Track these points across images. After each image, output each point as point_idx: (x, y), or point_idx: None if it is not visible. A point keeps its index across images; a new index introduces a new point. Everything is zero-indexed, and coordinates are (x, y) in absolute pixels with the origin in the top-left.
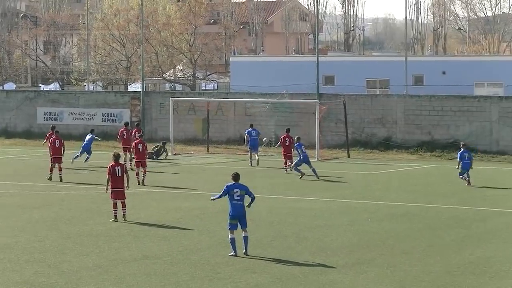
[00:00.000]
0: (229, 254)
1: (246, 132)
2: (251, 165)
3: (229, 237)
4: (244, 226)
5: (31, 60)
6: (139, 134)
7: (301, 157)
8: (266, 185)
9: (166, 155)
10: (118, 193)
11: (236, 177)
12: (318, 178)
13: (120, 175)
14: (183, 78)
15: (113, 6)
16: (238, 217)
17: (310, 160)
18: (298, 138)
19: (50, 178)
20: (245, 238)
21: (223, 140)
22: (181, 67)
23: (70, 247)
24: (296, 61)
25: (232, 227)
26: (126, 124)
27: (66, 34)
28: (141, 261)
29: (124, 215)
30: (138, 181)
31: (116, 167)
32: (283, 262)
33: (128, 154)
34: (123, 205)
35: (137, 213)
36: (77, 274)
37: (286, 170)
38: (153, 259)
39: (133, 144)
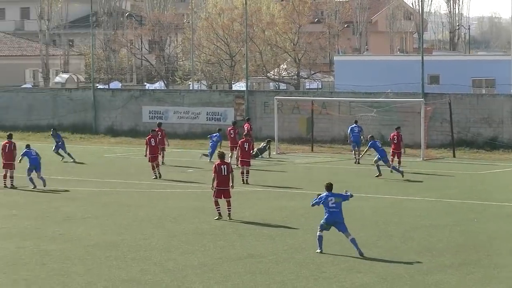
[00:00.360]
0: (316, 251)
1: (349, 128)
2: (356, 162)
3: (318, 234)
4: (345, 231)
5: (136, 59)
6: (245, 133)
7: (380, 155)
8: (371, 184)
9: (269, 154)
10: (223, 192)
11: (329, 187)
12: (378, 176)
13: (225, 174)
14: (287, 77)
15: (217, 5)
16: (333, 223)
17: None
18: (372, 137)
19: (156, 177)
20: (353, 241)
21: (327, 140)
22: (285, 66)
23: (175, 245)
24: (400, 60)
25: (323, 228)
26: (234, 123)
27: (171, 33)
28: (246, 259)
29: (229, 214)
30: (243, 180)
31: (222, 166)
32: (389, 262)
33: (234, 152)
34: (229, 204)
35: (242, 212)
36: (182, 272)
37: (392, 169)
38: (258, 258)
39: (239, 143)
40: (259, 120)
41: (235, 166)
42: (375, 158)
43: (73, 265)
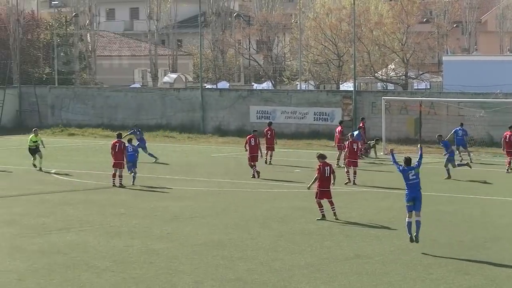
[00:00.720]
0: (410, 241)
1: (453, 130)
2: (470, 162)
3: (406, 220)
4: (417, 209)
5: (244, 59)
6: (354, 131)
7: (449, 155)
8: (480, 185)
9: (376, 154)
10: (325, 193)
11: (408, 161)
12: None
13: (328, 175)
14: (395, 78)
15: (325, 5)
16: (414, 198)
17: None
18: (440, 136)
19: (253, 176)
20: (417, 223)
21: (435, 140)
22: (393, 66)
23: (282, 245)
24: (510, 60)
25: (409, 209)
26: (341, 122)
27: (279, 33)
28: (353, 260)
29: (334, 213)
30: (349, 179)
31: (326, 167)
32: (497, 264)
33: (341, 152)
34: (332, 203)
35: (348, 212)
36: (289, 272)
37: (508, 169)
38: (365, 258)
39: (347, 143)
40: (367, 120)
41: (341, 166)
42: (446, 161)
43: (180, 264)
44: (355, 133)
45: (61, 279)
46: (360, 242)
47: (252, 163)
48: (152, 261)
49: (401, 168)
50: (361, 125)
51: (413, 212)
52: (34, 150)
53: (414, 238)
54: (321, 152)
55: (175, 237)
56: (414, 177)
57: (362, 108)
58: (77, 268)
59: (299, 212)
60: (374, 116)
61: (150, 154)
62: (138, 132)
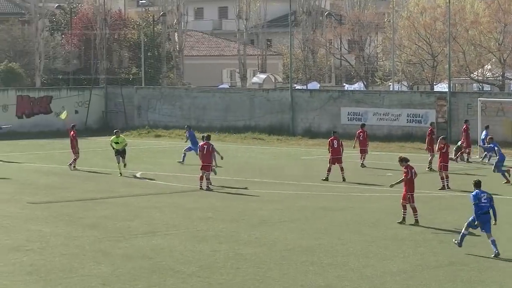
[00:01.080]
0: (453, 240)
1: None
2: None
3: (463, 231)
4: (488, 231)
5: (335, 59)
6: (443, 136)
7: (500, 158)
8: None
9: (462, 158)
10: (412, 197)
11: (478, 184)
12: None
13: (414, 177)
14: (491, 78)
15: (419, 4)
16: (482, 221)
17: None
18: (491, 138)
19: (326, 179)
20: (493, 242)
21: None
22: (490, 67)
23: (373, 251)
24: None
25: (471, 225)
26: (432, 124)
27: (371, 32)
28: (447, 267)
29: (416, 220)
30: (443, 185)
31: (411, 170)
32: None
33: (431, 155)
34: (415, 210)
35: (443, 217)
36: (380, 279)
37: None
38: (459, 265)
39: (438, 146)
40: (463, 122)
41: (434, 170)
42: (495, 164)
43: (268, 269)
44: (483, 132)
45: (146, 285)
46: (455, 248)
47: (334, 165)
48: (239, 266)
49: (473, 194)
50: (464, 127)
51: (485, 233)
52: (120, 152)
53: (460, 245)
54: (403, 155)
55: (263, 241)
56: (486, 201)
57: (457, 110)
58: (162, 273)
59: (391, 217)
60: (469, 117)
61: (184, 154)
62: (188, 135)
